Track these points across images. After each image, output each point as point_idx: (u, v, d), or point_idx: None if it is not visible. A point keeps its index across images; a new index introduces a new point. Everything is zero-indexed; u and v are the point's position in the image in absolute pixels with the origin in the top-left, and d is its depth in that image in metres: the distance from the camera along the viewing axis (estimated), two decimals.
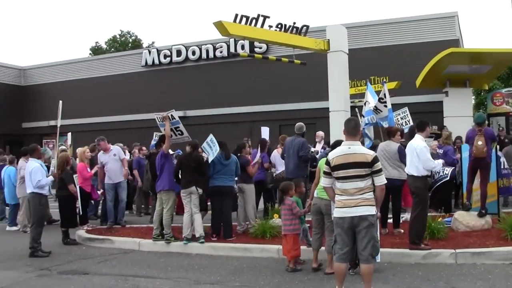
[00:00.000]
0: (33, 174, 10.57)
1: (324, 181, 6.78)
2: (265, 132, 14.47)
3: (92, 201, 14.10)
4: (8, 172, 14.74)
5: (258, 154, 11.91)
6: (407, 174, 9.22)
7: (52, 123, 24.69)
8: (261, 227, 10.52)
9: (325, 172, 6.70)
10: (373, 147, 11.69)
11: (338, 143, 7.93)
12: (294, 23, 12.87)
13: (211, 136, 10.95)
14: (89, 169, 12.96)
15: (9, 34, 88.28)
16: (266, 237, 10.29)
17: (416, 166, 8.90)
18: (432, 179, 12.01)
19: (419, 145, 8.89)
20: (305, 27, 13.05)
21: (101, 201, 14.39)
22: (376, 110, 13.22)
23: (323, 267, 8.19)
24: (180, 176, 10.79)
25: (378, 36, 23.70)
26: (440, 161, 10.30)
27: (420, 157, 8.81)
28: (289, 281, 7.81)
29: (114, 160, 13.22)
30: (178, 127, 11.38)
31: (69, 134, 15.86)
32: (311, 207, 8.36)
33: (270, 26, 12.40)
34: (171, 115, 11.10)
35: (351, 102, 14.49)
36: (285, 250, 8.56)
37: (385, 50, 23.00)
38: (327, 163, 6.62)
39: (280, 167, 12.79)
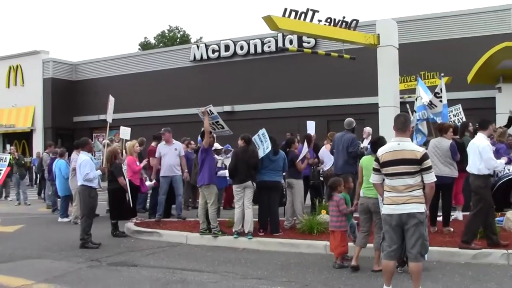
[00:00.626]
0: (82, 167, 10.76)
1: (373, 178, 6.71)
2: (310, 126, 14.37)
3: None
4: (58, 165, 15.06)
5: (305, 149, 11.83)
6: (469, 173, 9.00)
7: (102, 117, 25.05)
8: (309, 223, 10.47)
9: (374, 169, 6.62)
10: (426, 143, 11.50)
11: (377, 140, 7.88)
12: (344, 17, 12.72)
13: (263, 130, 10.92)
14: (138, 163, 13.11)
15: (61, 30, 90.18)
16: (313, 233, 10.23)
17: (477, 165, 8.70)
18: (496, 177, 11.62)
19: (481, 143, 8.70)
20: (354, 21, 12.88)
21: (149, 194, 14.56)
22: (430, 105, 12.98)
23: (363, 268, 8.09)
24: (233, 170, 10.83)
25: (428, 30, 23.14)
26: (503, 160, 10.01)
27: (483, 156, 8.61)
28: (337, 277, 7.75)
29: (174, 154, 13.33)
30: (218, 121, 11.40)
31: (129, 128, 15.98)
32: (358, 207, 8.26)
33: (319, 21, 12.28)
34: (210, 110, 11.11)
35: (400, 98, 14.22)
36: (333, 246, 8.49)
37: (435, 44, 22.44)
38: (376, 159, 6.54)
39: (328, 163, 12.71)
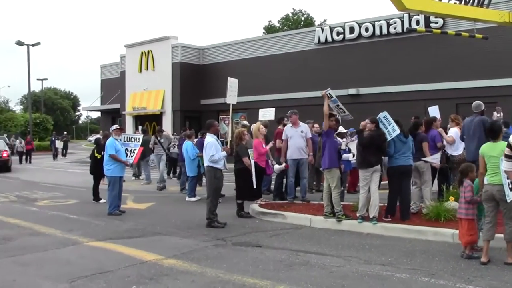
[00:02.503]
0: (207, 148, 11.07)
1: (506, 165, 6.37)
2: (434, 111, 13.88)
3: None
4: (185, 146, 15.61)
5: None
6: None
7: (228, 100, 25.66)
8: (435, 210, 10.15)
9: (506, 155, 6.29)
10: None
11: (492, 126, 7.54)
12: None
13: (384, 113, 10.67)
14: (264, 145, 13.26)
15: (190, 16, 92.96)
16: (440, 220, 9.92)
17: None
18: None
19: None
20: None
21: (273, 177, 14.72)
22: None
23: (495, 260, 7.72)
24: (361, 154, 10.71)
25: None
26: None
27: None
28: (465, 268, 7.46)
29: (300, 136, 13.41)
30: (338, 105, 11.29)
31: (272, 109, 16.10)
32: (482, 195, 7.86)
33: None
34: (329, 93, 11.02)
35: None
36: (460, 234, 8.19)
37: None
38: (508, 145, 6.20)
39: (458, 147, 12.21)
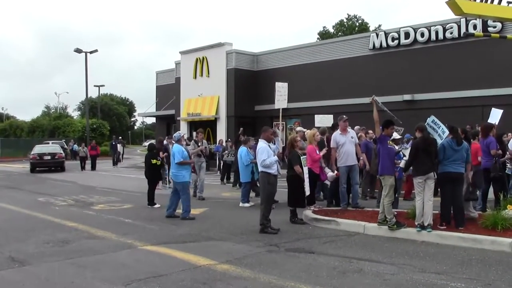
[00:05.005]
0: (259, 153, 11.18)
1: None
2: (495, 115, 13.59)
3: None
4: (240, 152, 15.74)
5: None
6: None
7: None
8: (492, 218, 9.94)
9: None
10: None
11: None
12: None
13: (432, 117, 10.62)
14: (318, 151, 13.23)
15: (244, 23, 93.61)
16: (497, 229, 9.69)
17: None
18: None
19: None
20: None
21: (328, 183, 14.66)
22: None
23: None
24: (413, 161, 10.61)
25: None
26: None
27: None
28: None
29: (351, 142, 13.37)
30: (386, 111, 11.30)
31: (330, 116, 16.07)
32: None
33: (509, 3, 11.52)
34: (375, 100, 11.06)
35: None
36: None
37: None
38: None
39: None
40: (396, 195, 12.10)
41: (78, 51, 48.89)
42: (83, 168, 35.70)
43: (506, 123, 15.16)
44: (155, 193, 15.80)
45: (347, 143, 13.28)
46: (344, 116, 13.67)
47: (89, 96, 53.08)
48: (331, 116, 15.89)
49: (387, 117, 11.33)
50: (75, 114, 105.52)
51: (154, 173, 15.92)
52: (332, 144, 13.48)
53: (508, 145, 12.62)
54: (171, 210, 13.39)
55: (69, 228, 12.06)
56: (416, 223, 10.31)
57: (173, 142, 14.35)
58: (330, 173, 13.53)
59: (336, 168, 13.50)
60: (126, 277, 7.55)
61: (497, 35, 16.49)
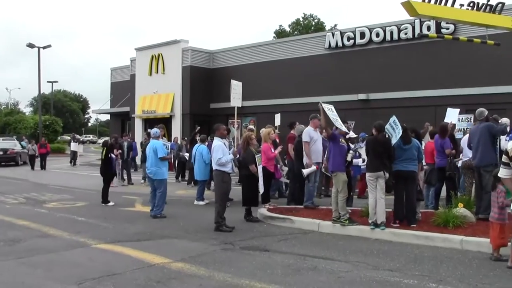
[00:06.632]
0: (215, 152, 11.12)
1: (503, 172, 6.39)
2: (452, 114, 13.84)
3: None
4: (200, 150, 15.62)
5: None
6: None
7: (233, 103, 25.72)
8: (444, 216, 10.12)
9: (503, 163, 6.30)
10: None
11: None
12: (488, 0, 12.07)
13: (394, 118, 10.72)
14: (272, 150, 13.23)
15: (200, 20, 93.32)
16: (449, 227, 9.88)
17: None
18: None
19: None
20: (500, 5, 12.15)
21: (283, 181, 14.68)
22: None
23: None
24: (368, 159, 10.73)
25: None
26: None
27: None
28: (473, 274, 7.43)
29: (321, 140, 13.32)
30: (336, 119, 11.43)
31: (278, 114, 16.09)
32: None
33: (461, 5, 11.74)
34: (323, 106, 11.24)
35: None
36: (491, 237, 8.25)
37: None
38: (505, 153, 6.21)
39: (468, 153, 12.20)
40: (352, 193, 12.18)
41: (31, 46, 47.74)
42: (33, 167, 33.05)
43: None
44: (109, 192, 15.55)
45: (319, 141, 13.23)
46: (318, 115, 13.69)
47: (42, 92, 51.95)
48: (279, 114, 15.90)
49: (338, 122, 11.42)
50: (27, 111, 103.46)
51: (107, 171, 15.71)
52: (306, 139, 13.17)
53: (461, 143, 12.84)
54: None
55: (20, 226, 11.79)
56: (369, 221, 10.42)
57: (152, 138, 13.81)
58: (306, 169, 13.08)
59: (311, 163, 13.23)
60: (79, 276, 7.40)
61: (450, 36, 16.81)
